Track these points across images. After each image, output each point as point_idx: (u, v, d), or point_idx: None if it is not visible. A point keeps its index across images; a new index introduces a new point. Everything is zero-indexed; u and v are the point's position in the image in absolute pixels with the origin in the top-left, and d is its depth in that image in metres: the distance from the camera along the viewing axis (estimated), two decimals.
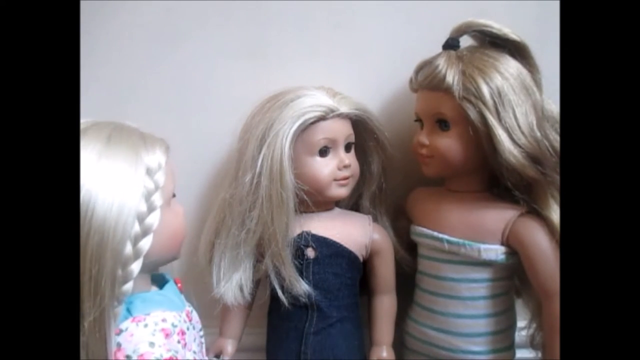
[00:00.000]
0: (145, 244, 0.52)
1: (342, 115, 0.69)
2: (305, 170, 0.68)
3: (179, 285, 0.61)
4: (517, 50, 0.67)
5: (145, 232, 0.52)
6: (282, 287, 0.68)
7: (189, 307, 0.60)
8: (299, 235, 0.69)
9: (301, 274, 0.68)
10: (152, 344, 0.52)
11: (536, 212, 0.66)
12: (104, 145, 0.52)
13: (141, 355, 0.51)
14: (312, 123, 0.67)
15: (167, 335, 0.53)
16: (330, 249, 0.69)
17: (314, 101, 0.67)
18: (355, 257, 0.71)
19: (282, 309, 0.69)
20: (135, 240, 0.51)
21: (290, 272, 0.67)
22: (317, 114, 0.66)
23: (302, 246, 0.69)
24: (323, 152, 0.68)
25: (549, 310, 0.65)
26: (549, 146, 0.65)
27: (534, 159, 0.64)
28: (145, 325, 0.53)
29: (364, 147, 0.74)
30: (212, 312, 0.70)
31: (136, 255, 0.51)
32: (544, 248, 0.65)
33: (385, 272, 0.74)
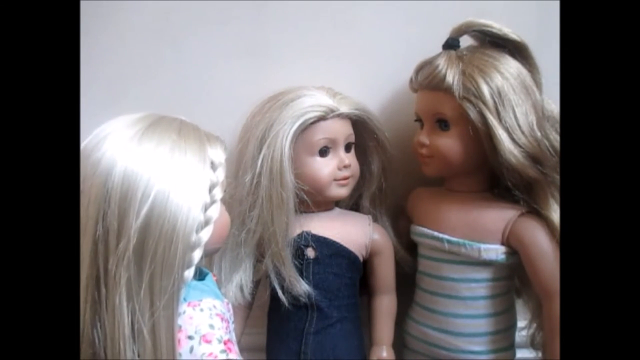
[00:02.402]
0: (206, 233, 0.55)
1: (342, 115, 0.69)
2: (305, 170, 0.68)
3: (215, 278, 0.63)
4: (517, 50, 0.67)
5: (207, 223, 0.55)
6: (282, 287, 0.68)
7: (226, 299, 0.63)
8: (299, 235, 0.69)
9: (301, 274, 0.68)
10: (212, 326, 0.55)
11: (536, 212, 0.66)
12: (177, 138, 0.55)
13: (203, 335, 0.54)
14: (312, 123, 0.67)
15: (222, 320, 0.56)
16: (330, 249, 0.69)
17: (314, 101, 0.67)
18: (355, 257, 0.71)
19: (282, 309, 0.69)
20: (198, 230, 0.54)
21: (290, 272, 0.67)
22: (317, 114, 0.66)
23: (302, 246, 0.69)
24: (323, 152, 0.68)
25: (549, 310, 0.65)
26: (549, 146, 0.65)
27: (534, 158, 0.64)
28: (202, 310, 0.55)
29: (364, 147, 0.74)
30: None
31: (198, 243, 0.54)
32: (544, 248, 0.65)
33: (385, 272, 0.74)
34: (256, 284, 0.72)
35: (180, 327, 0.54)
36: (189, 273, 0.54)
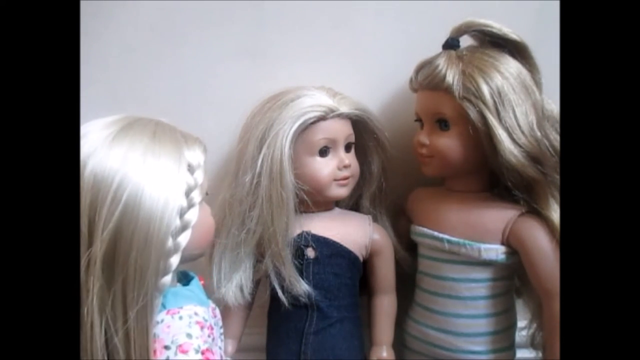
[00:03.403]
0: (184, 238, 0.53)
1: (342, 115, 0.69)
2: (305, 170, 0.68)
3: (202, 282, 0.62)
4: (517, 50, 0.67)
5: (184, 227, 0.53)
6: (282, 287, 0.68)
7: (212, 304, 0.62)
8: (299, 235, 0.69)
9: (301, 274, 0.68)
10: (189, 335, 0.53)
11: (536, 212, 0.66)
12: (150, 141, 0.53)
13: (180, 345, 0.52)
14: (312, 123, 0.67)
15: (202, 328, 0.55)
16: (330, 249, 0.69)
17: (314, 101, 0.67)
18: (355, 257, 0.71)
19: (282, 309, 0.69)
20: (176, 235, 0.53)
21: (290, 272, 0.67)
22: (317, 114, 0.66)
23: (302, 246, 0.69)
24: (323, 152, 0.68)
25: (549, 310, 0.65)
26: (549, 146, 0.65)
27: (534, 158, 0.64)
28: (181, 318, 0.54)
29: (364, 147, 0.74)
30: None
31: (176, 249, 0.53)
32: (544, 248, 0.65)
33: (385, 272, 0.73)
34: (256, 284, 0.72)
35: (157, 336, 0.52)
36: (166, 280, 0.53)
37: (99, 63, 0.77)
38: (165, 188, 0.52)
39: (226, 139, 0.74)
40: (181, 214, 0.53)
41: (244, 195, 0.67)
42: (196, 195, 0.55)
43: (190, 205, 0.54)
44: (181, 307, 0.55)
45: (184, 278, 0.61)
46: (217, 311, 0.63)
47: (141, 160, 0.52)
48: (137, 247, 0.50)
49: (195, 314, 0.55)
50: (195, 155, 0.56)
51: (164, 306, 0.54)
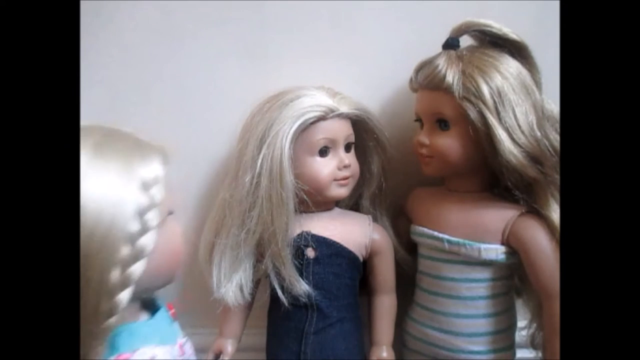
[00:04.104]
0: (137, 269, 0.45)
1: (342, 115, 0.69)
2: (305, 170, 0.68)
3: (172, 311, 0.56)
4: (517, 50, 0.67)
5: (136, 256, 0.46)
6: (282, 287, 0.68)
7: (182, 339, 0.55)
8: (299, 235, 0.69)
9: (301, 274, 0.68)
10: None
11: (536, 212, 0.66)
12: (91, 155, 0.46)
13: None
14: (312, 123, 0.67)
15: None
16: (330, 249, 0.69)
17: (314, 101, 0.67)
18: (355, 257, 0.71)
19: (282, 309, 0.69)
20: (125, 266, 0.45)
21: (290, 272, 0.67)
22: (317, 114, 0.66)
23: (302, 246, 0.69)
24: (323, 152, 0.68)
25: (549, 310, 0.65)
26: (549, 146, 0.65)
27: (534, 158, 0.64)
28: None
29: (364, 147, 0.74)
30: (212, 312, 0.70)
31: (125, 283, 0.45)
32: (544, 248, 0.65)
33: (385, 272, 0.73)
34: (256, 284, 0.72)
35: None
36: (112, 321, 0.44)
37: (99, 63, 0.77)
38: (107, 211, 0.44)
39: (226, 139, 0.74)
40: (132, 241, 0.45)
41: (243, 195, 0.67)
42: (152, 217, 0.47)
43: (145, 230, 0.46)
44: (134, 351, 0.47)
45: (150, 307, 0.54)
46: (188, 346, 0.55)
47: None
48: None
49: (154, 356, 0.48)
50: (150, 170, 0.48)
51: (117, 349, 0.47)
